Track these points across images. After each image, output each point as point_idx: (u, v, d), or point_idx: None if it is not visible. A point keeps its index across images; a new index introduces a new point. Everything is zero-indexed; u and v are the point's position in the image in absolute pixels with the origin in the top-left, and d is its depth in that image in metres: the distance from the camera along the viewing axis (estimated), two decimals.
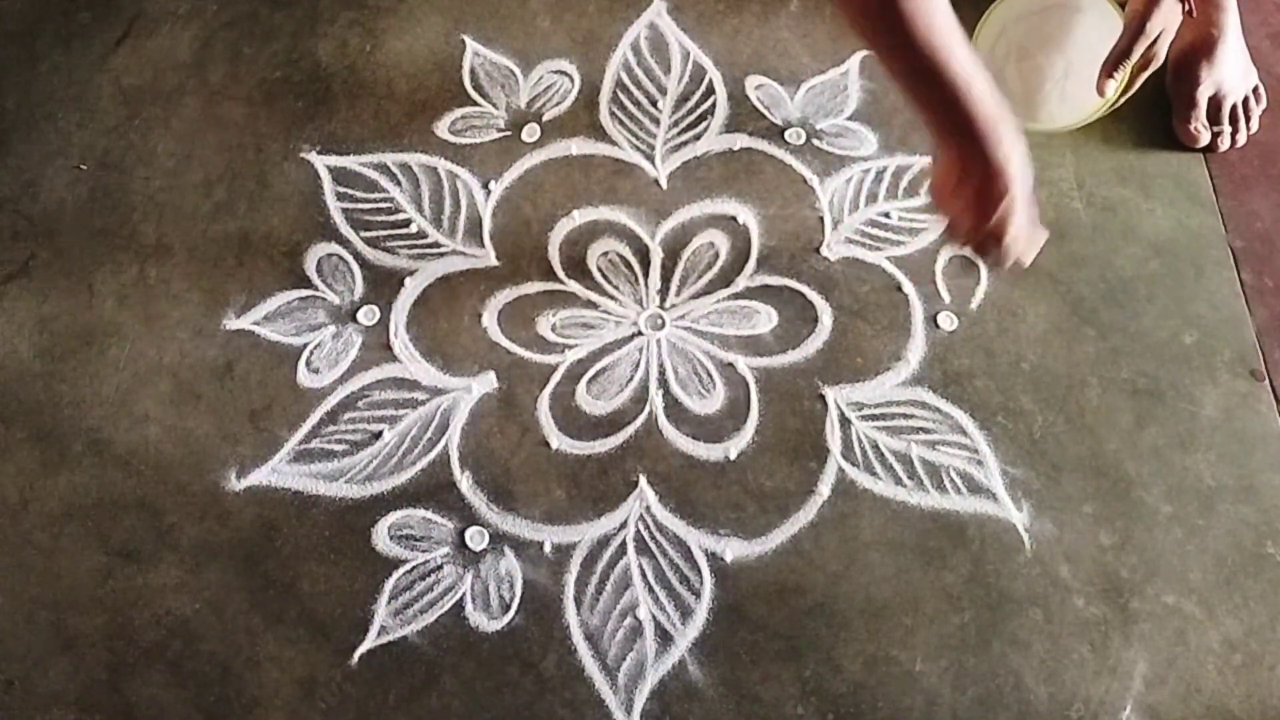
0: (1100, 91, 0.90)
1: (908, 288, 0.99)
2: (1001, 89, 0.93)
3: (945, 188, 0.81)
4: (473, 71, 1.12)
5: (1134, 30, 0.87)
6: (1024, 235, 0.82)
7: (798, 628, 0.85)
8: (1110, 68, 0.89)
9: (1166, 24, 0.87)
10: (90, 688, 0.85)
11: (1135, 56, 0.88)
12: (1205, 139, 1.04)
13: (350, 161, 1.07)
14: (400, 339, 0.98)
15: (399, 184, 1.06)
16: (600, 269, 1.01)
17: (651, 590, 0.87)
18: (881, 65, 0.77)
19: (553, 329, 0.98)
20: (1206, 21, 1.00)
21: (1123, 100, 0.90)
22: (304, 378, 0.96)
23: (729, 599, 0.86)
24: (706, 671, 0.84)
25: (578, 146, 1.07)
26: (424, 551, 0.89)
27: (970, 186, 0.79)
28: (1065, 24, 0.93)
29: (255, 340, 0.98)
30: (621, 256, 1.01)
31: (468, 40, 1.14)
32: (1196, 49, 1.01)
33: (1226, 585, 0.86)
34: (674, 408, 0.94)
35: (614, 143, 1.07)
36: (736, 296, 0.99)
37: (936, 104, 0.77)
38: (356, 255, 1.02)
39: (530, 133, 1.08)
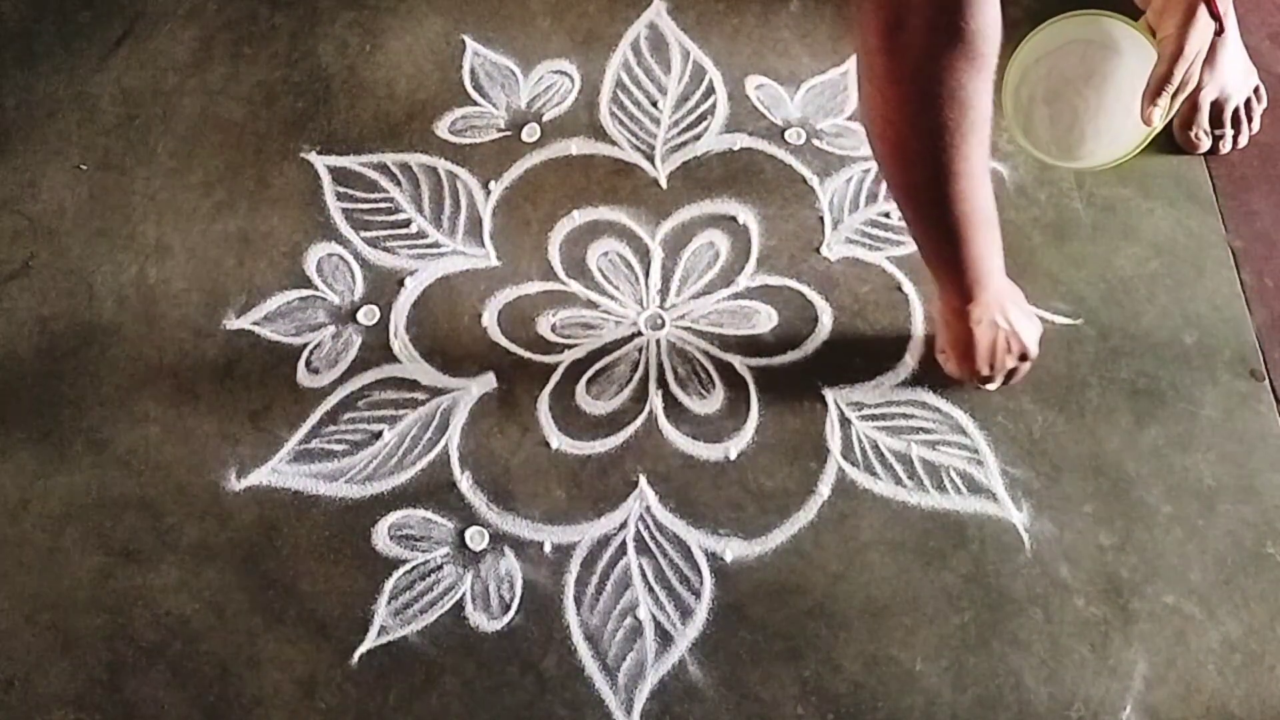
0: (1146, 120, 0.88)
1: (908, 288, 0.99)
2: (1031, 136, 0.94)
3: (968, 347, 0.87)
4: (473, 71, 1.12)
5: (1173, 54, 0.86)
6: (999, 379, 0.90)
7: (798, 628, 0.85)
8: (1153, 95, 0.87)
9: (1203, 44, 0.86)
10: (90, 688, 0.85)
11: (1177, 80, 0.86)
12: (1206, 146, 1.03)
13: (350, 161, 1.07)
14: (400, 339, 0.98)
15: (399, 184, 1.06)
16: (600, 269, 1.01)
17: (651, 590, 0.87)
18: (886, 161, 0.75)
19: (553, 329, 0.98)
20: None
21: (1160, 126, 0.89)
22: (304, 378, 0.96)
23: (729, 599, 0.86)
24: (706, 671, 0.84)
25: (578, 146, 1.07)
26: (424, 551, 0.89)
27: (992, 335, 0.86)
28: (1088, 58, 0.92)
29: (255, 340, 0.98)
30: (621, 256, 1.02)
31: (468, 40, 1.14)
32: None
33: (1226, 585, 0.86)
34: (674, 407, 0.94)
35: (614, 143, 1.07)
36: (736, 296, 0.99)
37: (930, 237, 0.80)
38: (356, 255, 1.02)
39: (530, 133, 1.08)
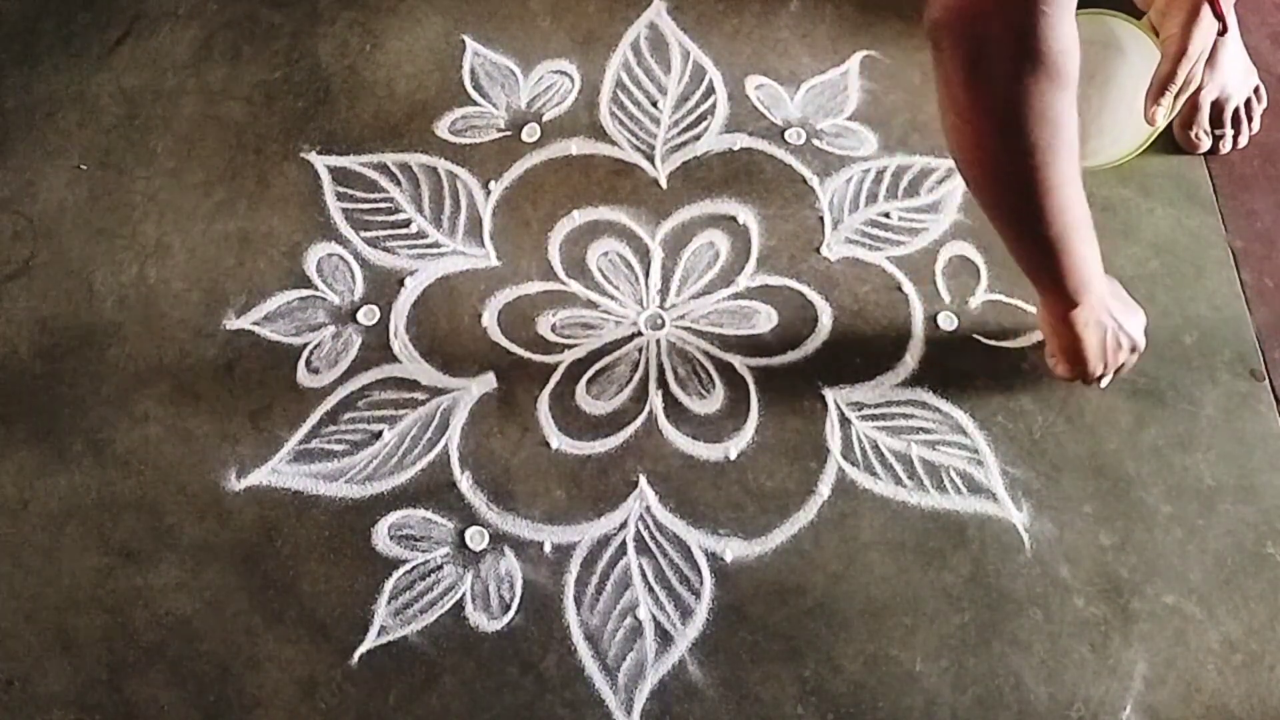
0: (1150, 120, 0.88)
1: (908, 288, 0.99)
2: None
3: (1076, 349, 0.86)
4: (473, 71, 1.12)
5: (1177, 53, 0.86)
6: (1110, 374, 0.89)
7: (798, 628, 0.85)
8: (1156, 94, 0.87)
9: (1206, 43, 0.86)
10: (90, 688, 0.85)
11: (1180, 80, 0.86)
12: (1206, 146, 1.03)
13: (350, 161, 1.07)
14: (400, 339, 0.98)
15: (399, 184, 1.06)
16: (600, 269, 1.01)
17: (651, 590, 0.87)
18: (980, 188, 0.75)
19: (553, 329, 0.98)
20: None
21: (1164, 126, 0.89)
22: (304, 378, 0.96)
23: (729, 599, 0.86)
24: (706, 671, 0.84)
25: (578, 146, 1.07)
26: (424, 551, 0.89)
27: (1099, 336, 0.85)
28: (1091, 57, 0.92)
29: (255, 340, 0.98)
30: (621, 256, 1.02)
31: (468, 40, 1.14)
32: None
33: (1226, 585, 0.86)
34: (674, 408, 0.94)
35: (614, 143, 1.07)
36: (736, 296, 0.99)
37: (1055, 257, 0.77)
38: (356, 255, 1.02)
39: (530, 133, 1.08)
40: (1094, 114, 0.94)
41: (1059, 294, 0.82)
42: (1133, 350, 0.88)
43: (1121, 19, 0.91)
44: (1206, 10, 0.84)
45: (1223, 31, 0.86)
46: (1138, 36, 0.89)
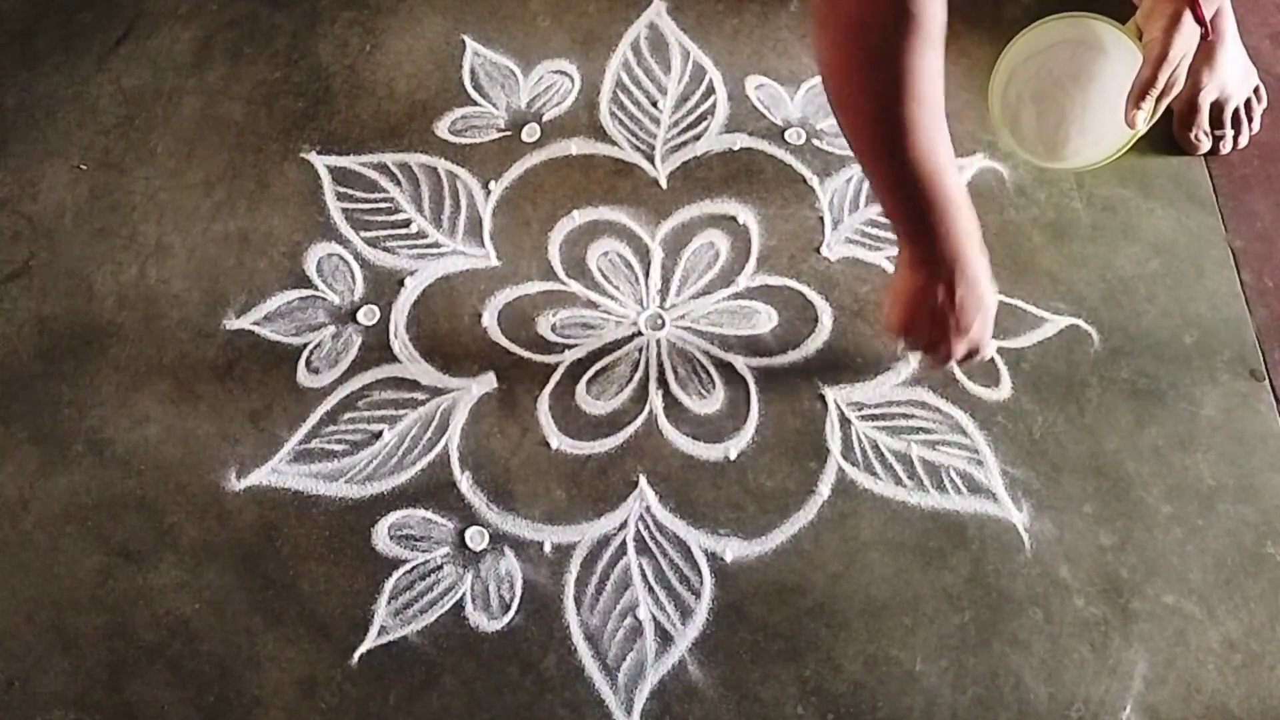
0: (1130, 123, 0.88)
1: None
2: (1018, 135, 0.94)
3: (904, 299, 0.82)
4: (473, 71, 1.12)
5: (1157, 57, 0.86)
6: (985, 350, 0.85)
7: (798, 628, 0.85)
8: (1137, 98, 0.87)
9: (1187, 48, 0.86)
10: (90, 688, 0.85)
11: (1161, 84, 0.87)
12: (1206, 147, 1.03)
13: (350, 161, 1.07)
14: (400, 339, 0.98)
15: (399, 184, 1.06)
16: (600, 269, 1.01)
17: (651, 590, 0.87)
18: (859, 147, 0.74)
19: (553, 329, 0.98)
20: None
21: (1146, 129, 0.90)
22: (304, 378, 0.96)
23: (729, 599, 0.86)
24: (706, 671, 0.84)
25: (578, 146, 1.07)
26: (424, 551, 0.89)
27: (931, 300, 0.81)
28: (1076, 58, 0.93)
29: (255, 340, 0.98)
30: (621, 256, 1.02)
31: (468, 40, 1.14)
32: (1196, 55, 1.01)
33: (1226, 585, 0.86)
34: (674, 407, 0.94)
35: (614, 143, 1.07)
36: (736, 296, 0.99)
37: (908, 199, 0.75)
38: (356, 255, 1.02)
39: (530, 133, 1.08)
40: (1076, 114, 0.94)
41: (901, 235, 0.79)
42: (970, 354, 0.84)
43: (1105, 22, 0.91)
44: (1188, 15, 0.84)
45: (1205, 36, 0.86)
46: (1120, 39, 0.89)
